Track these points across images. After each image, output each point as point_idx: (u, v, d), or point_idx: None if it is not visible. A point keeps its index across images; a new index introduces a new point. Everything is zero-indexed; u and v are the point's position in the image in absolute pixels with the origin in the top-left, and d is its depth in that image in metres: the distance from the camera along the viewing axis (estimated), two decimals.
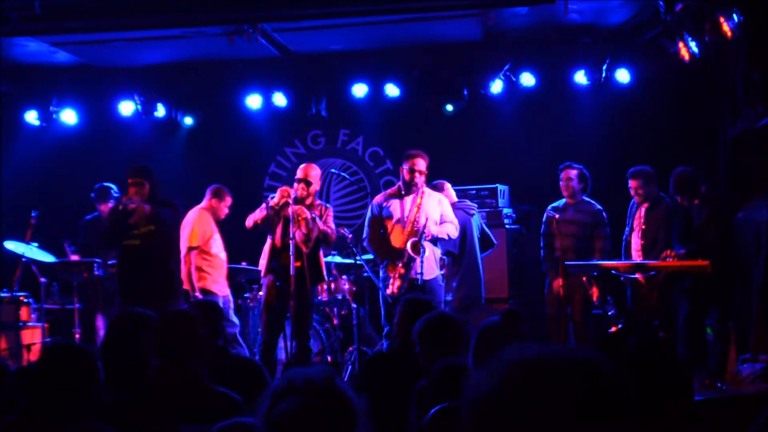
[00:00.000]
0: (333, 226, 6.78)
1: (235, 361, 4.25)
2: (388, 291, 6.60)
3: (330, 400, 1.76)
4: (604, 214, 7.31)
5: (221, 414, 2.95)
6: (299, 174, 6.78)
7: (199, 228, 7.32)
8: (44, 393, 2.86)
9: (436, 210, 6.69)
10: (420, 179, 6.67)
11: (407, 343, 4.45)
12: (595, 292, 6.97)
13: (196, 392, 3.15)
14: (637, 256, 6.99)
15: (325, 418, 1.75)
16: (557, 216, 7.03)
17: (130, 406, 3.11)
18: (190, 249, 7.26)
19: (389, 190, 6.97)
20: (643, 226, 7.05)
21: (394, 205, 6.76)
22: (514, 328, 3.24)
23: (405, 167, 6.71)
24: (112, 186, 8.31)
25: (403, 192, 6.76)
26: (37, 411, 2.85)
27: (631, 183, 7.07)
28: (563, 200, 7.39)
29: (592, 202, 7.36)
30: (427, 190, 6.80)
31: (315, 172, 6.81)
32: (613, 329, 6.87)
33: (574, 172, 7.32)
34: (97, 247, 7.74)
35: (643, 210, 7.11)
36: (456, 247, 7.12)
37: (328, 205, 6.85)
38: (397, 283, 6.56)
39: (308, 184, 6.70)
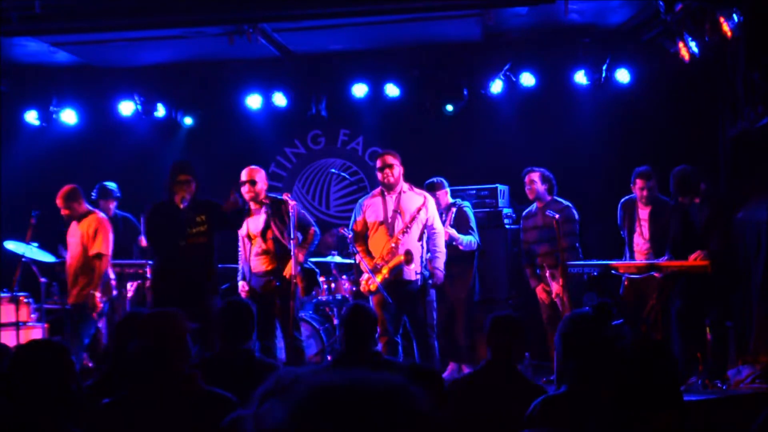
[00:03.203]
0: (308, 221, 6.86)
1: (258, 364, 4.23)
2: (363, 288, 6.64)
3: None
4: (571, 210, 7.29)
5: (215, 415, 2.95)
6: (243, 176, 6.74)
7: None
8: (20, 392, 2.86)
9: (423, 214, 6.67)
10: (393, 173, 6.67)
11: (355, 350, 4.43)
12: (554, 288, 7.00)
13: (189, 393, 3.12)
14: (642, 258, 6.97)
15: None
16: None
17: (123, 408, 3.10)
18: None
19: (372, 192, 6.98)
20: (650, 229, 7.02)
21: (376, 206, 6.77)
22: (603, 321, 3.24)
23: (377, 167, 6.79)
24: (112, 185, 8.30)
25: (385, 193, 6.77)
26: (16, 410, 2.85)
27: (641, 182, 6.95)
28: (534, 205, 7.42)
29: (560, 200, 7.36)
30: (407, 190, 6.78)
31: (259, 175, 6.78)
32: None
33: (535, 175, 7.38)
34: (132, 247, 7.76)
35: (646, 212, 7.07)
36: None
37: (289, 200, 6.63)
38: (375, 282, 6.57)
39: (253, 183, 6.69)
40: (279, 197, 6.80)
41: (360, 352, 4.36)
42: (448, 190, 7.60)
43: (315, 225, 6.94)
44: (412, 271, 6.55)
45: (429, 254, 6.69)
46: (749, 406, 5.30)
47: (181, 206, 6.32)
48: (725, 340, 6.72)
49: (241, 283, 6.84)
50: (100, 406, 3.09)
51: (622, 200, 7.25)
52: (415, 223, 6.59)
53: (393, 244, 6.58)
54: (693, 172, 6.68)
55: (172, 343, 3.17)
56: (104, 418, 3.05)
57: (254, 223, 6.75)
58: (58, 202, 7.26)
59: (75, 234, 7.29)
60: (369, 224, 6.76)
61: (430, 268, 6.65)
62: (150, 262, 7.72)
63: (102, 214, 7.40)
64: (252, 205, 6.75)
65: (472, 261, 7.53)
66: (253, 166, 6.88)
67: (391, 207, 6.69)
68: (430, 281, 6.68)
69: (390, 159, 6.70)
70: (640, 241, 7.08)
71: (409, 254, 6.51)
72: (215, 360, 4.15)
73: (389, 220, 6.66)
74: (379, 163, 6.75)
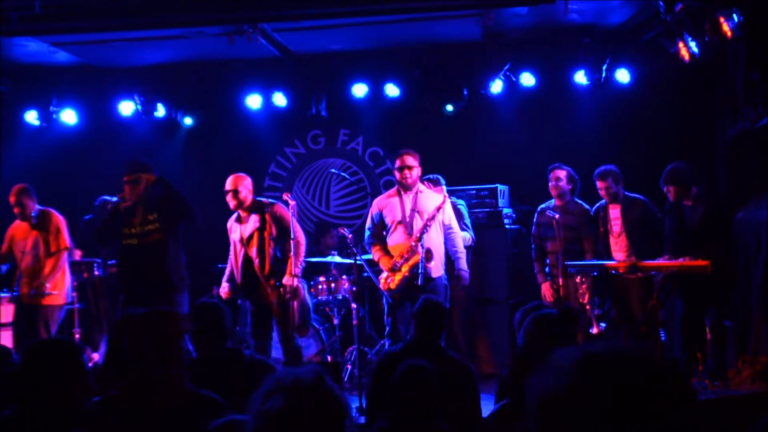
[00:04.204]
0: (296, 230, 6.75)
1: (248, 363, 4.23)
2: (383, 286, 6.67)
3: (314, 399, 1.77)
4: (591, 214, 7.29)
5: (202, 416, 2.94)
6: (227, 185, 6.78)
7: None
8: (31, 390, 2.86)
9: (440, 213, 6.71)
10: (412, 175, 6.71)
11: (424, 341, 4.53)
12: (585, 293, 6.98)
13: (175, 394, 3.11)
14: (623, 258, 6.96)
15: (308, 416, 1.76)
16: (557, 216, 7.02)
17: (109, 408, 3.09)
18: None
19: (389, 192, 7.02)
20: (624, 227, 7.03)
21: (394, 206, 6.79)
22: (569, 325, 3.28)
23: (395, 166, 6.81)
24: (113, 199, 8.32)
25: (401, 192, 6.81)
26: (27, 409, 2.85)
27: (601, 183, 7.05)
28: (552, 201, 7.39)
29: (581, 202, 7.35)
30: (424, 189, 6.83)
31: (243, 183, 6.78)
32: (595, 330, 6.88)
33: (562, 173, 7.33)
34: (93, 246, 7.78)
35: (617, 212, 7.10)
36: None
37: (289, 200, 6.66)
38: (394, 280, 6.61)
39: (236, 193, 6.72)
40: (269, 201, 6.83)
41: (427, 344, 4.51)
42: (444, 187, 7.60)
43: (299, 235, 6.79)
44: (432, 270, 6.57)
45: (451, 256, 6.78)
46: (749, 406, 5.29)
47: (119, 204, 6.50)
48: (725, 340, 6.72)
49: (223, 285, 6.89)
50: (89, 405, 3.09)
51: (594, 207, 7.27)
52: (434, 222, 6.63)
53: (413, 243, 6.61)
54: (686, 168, 6.70)
55: (166, 343, 3.16)
56: (92, 418, 3.05)
57: (245, 229, 6.78)
58: (11, 198, 7.40)
59: (29, 234, 7.36)
60: (387, 224, 6.79)
61: (455, 270, 6.72)
62: None
63: (56, 211, 7.52)
64: (241, 212, 6.79)
65: (467, 260, 7.52)
66: (238, 174, 6.90)
67: (408, 206, 6.73)
68: (454, 283, 6.74)
69: (410, 160, 6.73)
70: (613, 241, 7.10)
71: (429, 252, 6.54)
72: (202, 362, 4.13)
73: (407, 219, 6.69)
74: (398, 163, 6.77)
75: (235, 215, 6.89)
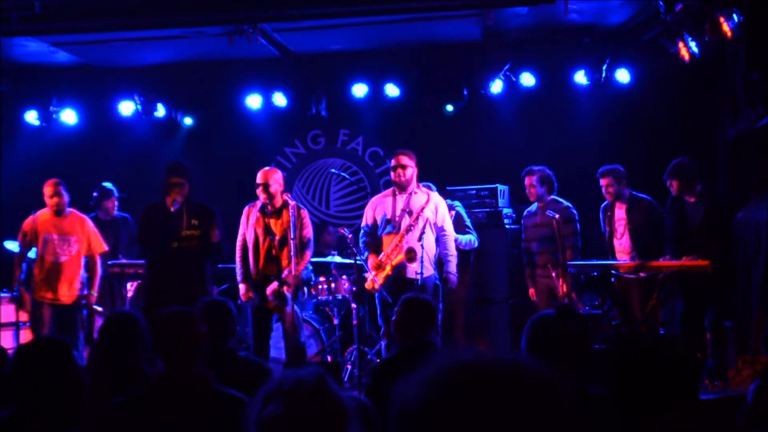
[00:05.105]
0: (310, 233, 6.78)
1: (243, 363, 4.23)
2: (368, 285, 6.68)
3: (316, 404, 1.75)
4: (571, 210, 7.33)
5: (228, 415, 2.94)
6: (258, 179, 6.74)
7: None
8: (25, 390, 2.87)
9: (431, 214, 6.69)
10: (405, 174, 6.71)
11: (412, 343, 4.39)
12: (562, 287, 6.99)
13: (202, 393, 3.11)
14: (626, 258, 6.97)
15: (310, 422, 1.74)
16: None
17: (135, 408, 3.09)
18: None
19: (385, 191, 7.03)
20: (629, 227, 7.04)
21: (386, 205, 6.82)
22: (566, 323, 3.23)
23: (391, 165, 6.85)
24: (110, 185, 8.32)
25: (396, 192, 6.82)
26: (27, 409, 2.85)
27: (602, 182, 7.13)
28: (535, 205, 7.45)
29: (560, 200, 7.38)
30: (418, 191, 6.82)
31: (274, 177, 6.75)
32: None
33: (533, 178, 7.42)
34: (131, 246, 7.81)
35: (622, 211, 7.11)
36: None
37: (289, 200, 6.63)
38: (379, 280, 6.61)
39: (266, 187, 6.67)
40: (297, 203, 6.81)
41: (423, 347, 4.19)
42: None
43: (312, 247, 6.84)
44: (413, 270, 6.57)
45: (442, 258, 6.76)
46: None
47: (172, 209, 6.36)
48: (725, 340, 6.72)
49: (242, 286, 6.75)
50: (112, 406, 3.08)
51: (602, 205, 7.30)
52: (420, 221, 6.61)
53: (397, 242, 6.62)
54: (691, 163, 6.72)
55: (188, 343, 3.17)
56: (116, 418, 3.04)
57: (276, 223, 6.72)
58: (49, 188, 7.27)
59: (61, 229, 7.28)
60: (378, 222, 6.81)
61: (444, 273, 6.71)
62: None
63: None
64: (269, 208, 6.73)
65: (469, 260, 7.54)
66: (267, 168, 6.86)
67: (400, 206, 6.74)
68: (440, 284, 6.72)
69: (405, 160, 6.73)
70: (617, 242, 7.11)
71: (411, 252, 6.53)
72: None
73: (397, 219, 6.71)
74: (393, 162, 6.80)
75: (258, 204, 6.79)
